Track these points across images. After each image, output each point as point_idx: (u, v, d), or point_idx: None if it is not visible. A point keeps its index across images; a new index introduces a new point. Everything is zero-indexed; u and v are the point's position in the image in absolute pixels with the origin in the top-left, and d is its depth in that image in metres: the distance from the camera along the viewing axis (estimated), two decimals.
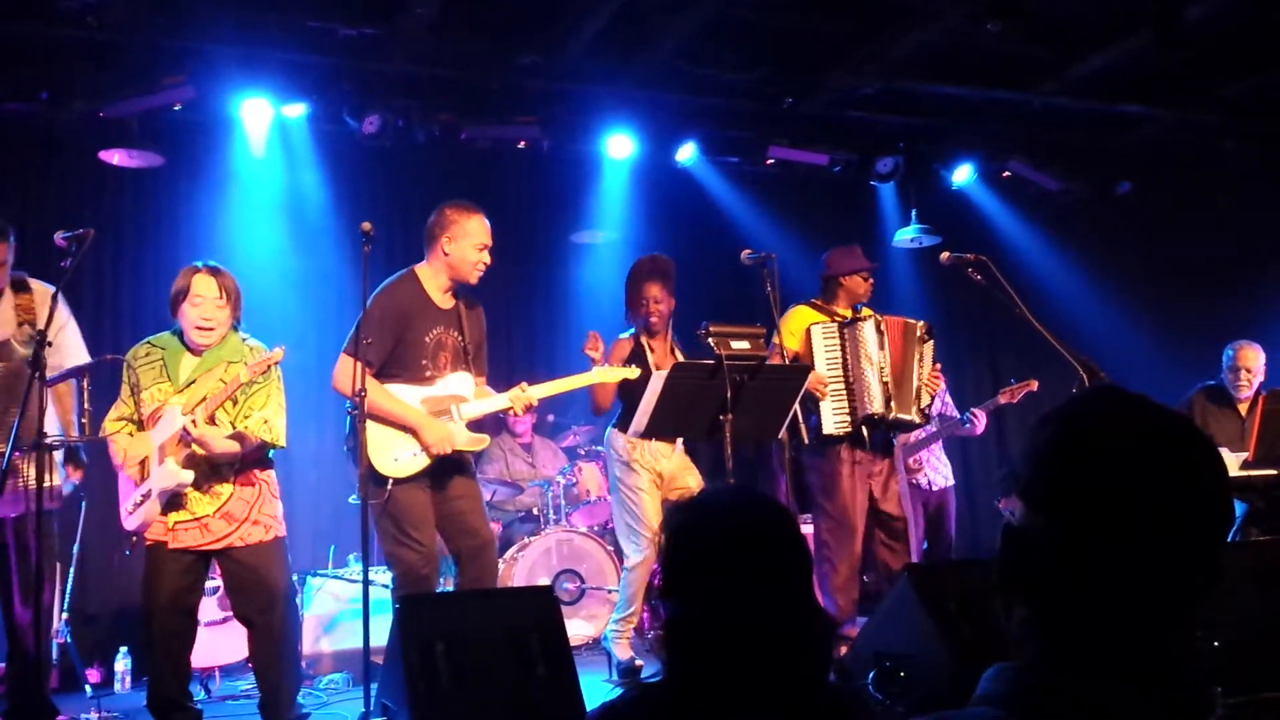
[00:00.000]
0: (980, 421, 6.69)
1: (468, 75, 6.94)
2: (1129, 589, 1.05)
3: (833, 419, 5.18)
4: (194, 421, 3.90)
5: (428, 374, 4.37)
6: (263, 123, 6.75)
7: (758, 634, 1.57)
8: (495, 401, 4.47)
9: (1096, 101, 7.53)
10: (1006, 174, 8.20)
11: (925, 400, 5.38)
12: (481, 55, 6.73)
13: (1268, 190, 8.15)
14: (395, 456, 4.28)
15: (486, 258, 4.48)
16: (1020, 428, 8.00)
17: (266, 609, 4.14)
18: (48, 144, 6.52)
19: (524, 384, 4.49)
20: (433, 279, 4.45)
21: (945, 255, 5.10)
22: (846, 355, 5.23)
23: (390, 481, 4.23)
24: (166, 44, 6.24)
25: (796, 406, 4.73)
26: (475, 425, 4.45)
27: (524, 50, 6.68)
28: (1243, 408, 6.16)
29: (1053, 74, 7.18)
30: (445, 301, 4.47)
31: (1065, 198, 8.27)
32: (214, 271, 4.19)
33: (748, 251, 4.91)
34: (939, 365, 5.47)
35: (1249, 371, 6.14)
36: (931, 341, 5.41)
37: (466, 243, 4.42)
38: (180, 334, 4.22)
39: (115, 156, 6.55)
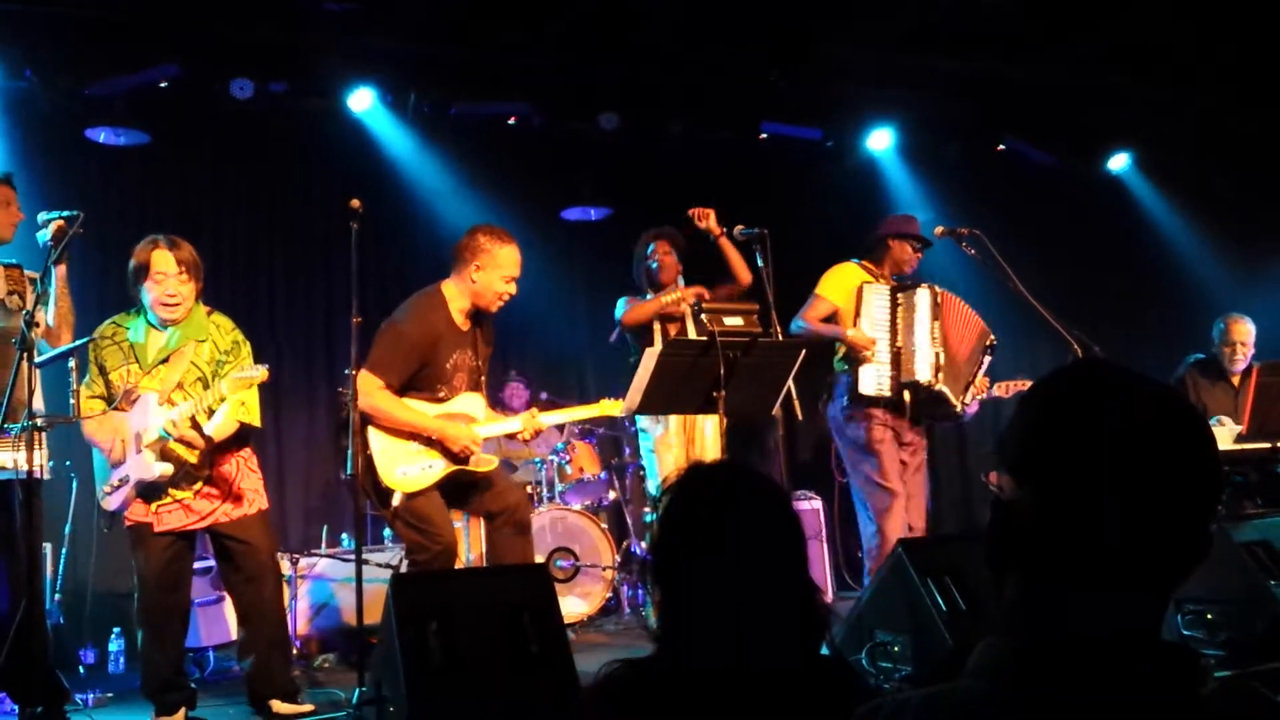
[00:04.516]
0: (971, 407, 6.71)
1: (456, 51, 6.89)
2: (1117, 561, 1.04)
3: (874, 380, 5.15)
4: (174, 423, 3.92)
5: (441, 394, 4.37)
6: (249, 100, 6.69)
7: (749, 612, 1.56)
8: (507, 425, 4.51)
9: (1093, 76, 7.50)
10: (1001, 147, 8.18)
11: (969, 396, 5.38)
12: (470, 31, 6.67)
13: None
14: (403, 470, 4.27)
15: (512, 289, 4.44)
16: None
17: (255, 579, 4.19)
18: (32, 122, 6.47)
19: (534, 410, 4.59)
20: (457, 300, 4.41)
21: (939, 229, 5.09)
22: (897, 320, 5.21)
23: (396, 496, 4.23)
24: (152, 21, 6.17)
25: (791, 383, 4.71)
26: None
27: (514, 25, 6.63)
28: (1235, 379, 6.17)
29: (1050, 47, 7.15)
30: (464, 324, 4.45)
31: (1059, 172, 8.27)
32: (172, 245, 4.13)
33: (740, 227, 4.90)
34: (989, 379, 5.49)
35: (1244, 345, 6.14)
36: (991, 355, 5.43)
37: (495, 273, 4.37)
38: (144, 311, 4.18)
39: (101, 134, 6.51)
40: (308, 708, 4.24)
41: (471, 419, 4.40)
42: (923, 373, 5.14)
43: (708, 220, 5.19)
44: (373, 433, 4.24)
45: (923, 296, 5.25)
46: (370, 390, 4.17)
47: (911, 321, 5.20)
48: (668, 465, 5.16)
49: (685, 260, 5.52)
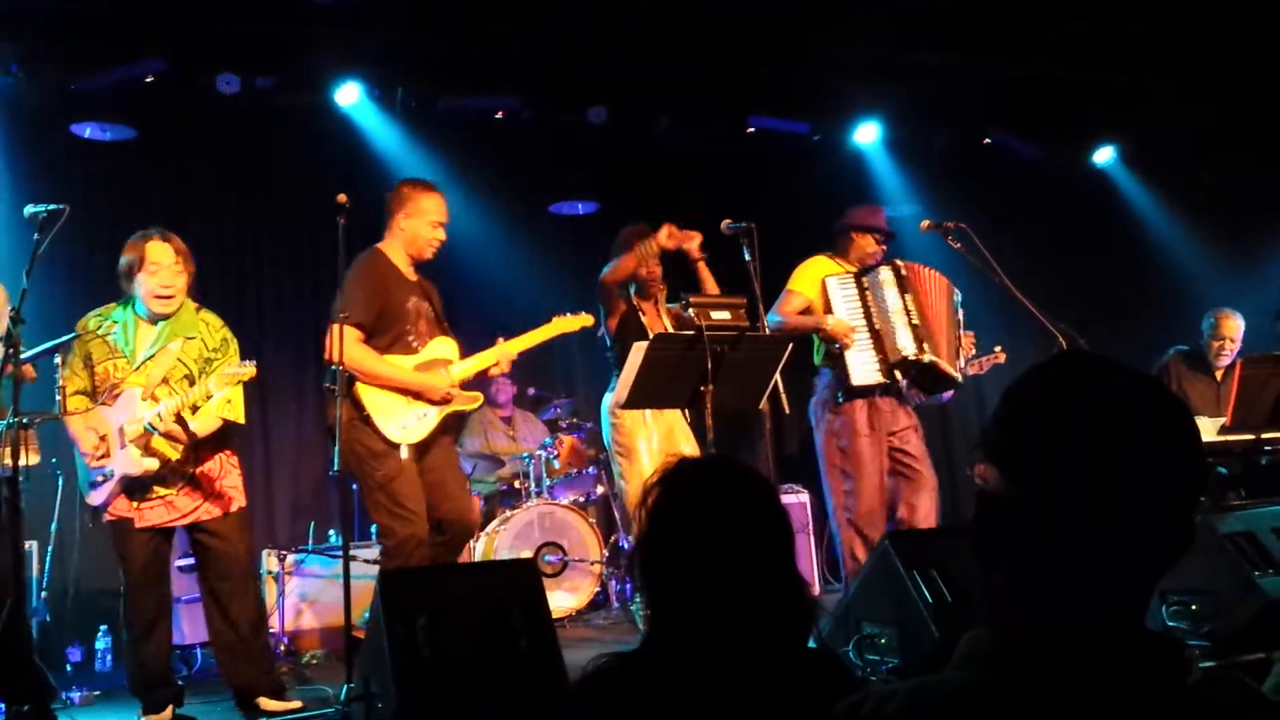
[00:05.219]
0: (973, 368, 6.70)
1: (444, 45, 6.87)
2: (1102, 551, 1.05)
3: (862, 369, 5.09)
4: (160, 417, 3.92)
5: (413, 343, 4.46)
6: (235, 94, 6.66)
7: (737, 605, 1.56)
8: (482, 360, 4.58)
9: (1078, 69, 7.52)
10: (987, 141, 8.20)
11: (962, 361, 5.27)
12: (458, 25, 6.65)
13: None
14: (404, 424, 4.35)
15: (441, 234, 4.55)
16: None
17: (231, 577, 4.20)
18: (18, 117, 6.43)
19: (501, 339, 4.65)
20: (394, 254, 4.53)
21: (925, 223, 5.08)
22: (868, 304, 5.15)
23: (403, 448, 4.32)
24: (138, 16, 6.14)
25: (777, 376, 4.71)
26: (465, 386, 4.57)
27: (502, 19, 6.61)
28: (1218, 373, 6.19)
29: (1035, 41, 7.16)
30: (411, 274, 4.57)
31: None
32: (165, 237, 4.16)
33: (728, 221, 4.88)
34: (972, 334, 5.37)
35: (1232, 341, 6.15)
36: (960, 308, 5.31)
37: (421, 220, 4.50)
38: (131, 305, 4.17)
39: (87, 129, 6.48)
40: (295, 704, 4.24)
41: (447, 361, 4.50)
42: (907, 348, 5.07)
43: (691, 243, 5.02)
44: (365, 393, 4.28)
45: (885, 274, 5.20)
46: (349, 344, 4.22)
47: (882, 300, 5.15)
48: (648, 473, 5.11)
49: (669, 266, 5.50)
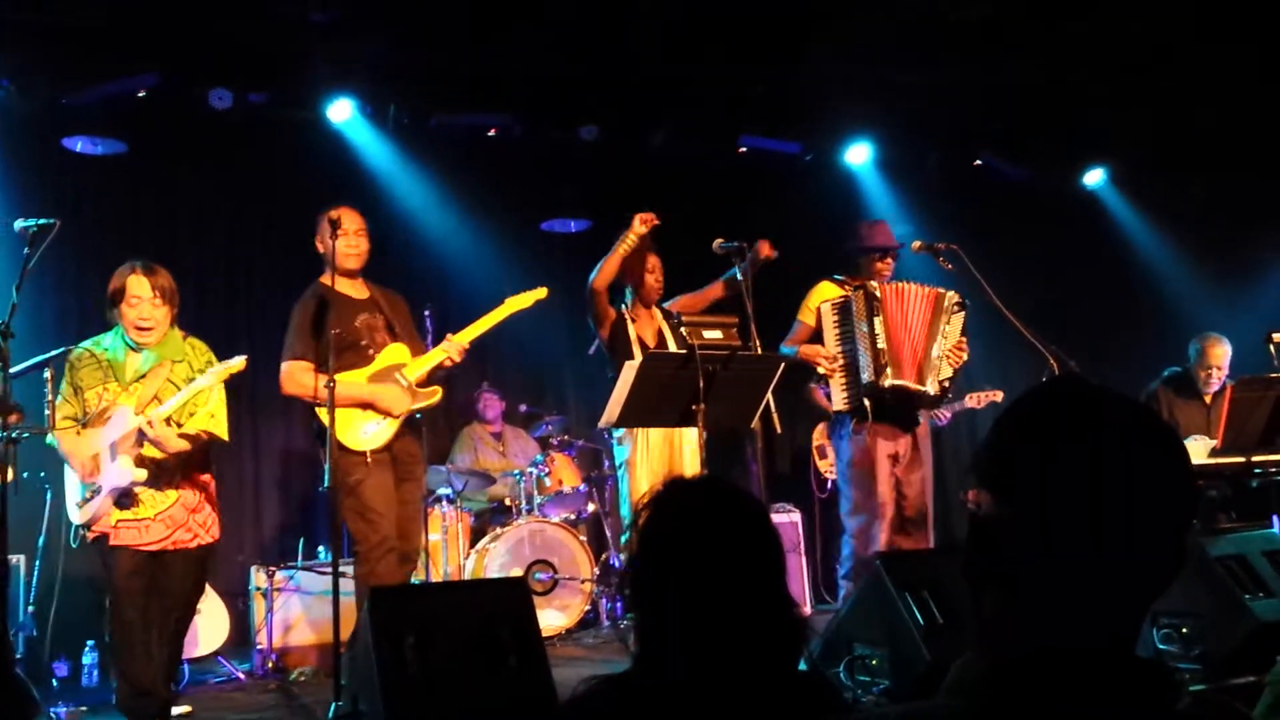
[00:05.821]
0: (944, 418, 6.73)
1: (436, 62, 6.89)
2: (1094, 572, 1.05)
3: (839, 395, 5.14)
4: (150, 423, 3.92)
5: (369, 352, 4.62)
6: (227, 110, 6.67)
7: (727, 627, 1.56)
8: (431, 357, 4.68)
9: (1071, 90, 7.54)
10: (978, 163, 8.25)
11: (946, 372, 5.18)
12: (451, 42, 6.67)
13: None
14: (363, 432, 4.51)
15: (353, 241, 4.68)
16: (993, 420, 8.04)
17: (174, 608, 4.21)
18: (9, 130, 6.43)
19: (449, 335, 4.74)
20: (338, 280, 4.63)
21: (917, 244, 5.10)
22: (848, 330, 5.15)
23: (369, 455, 4.45)
24: (131, 31, 6.15)
25: (769, 396, 4.70)
26: (423, 383, 4.68)
27: (495, 37, 6.63)
28: (1207, 397, 6.21)
29: (1027, 61, 7.18)
30: (360, 292, 4.73)
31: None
32: (148, 271, 4.17)
33: (720, 240, 4.89)
34: (964, 339, 5.24)
35: (1219, 369, 6.16)
36: (961, 314, 5.20)
37: (334, 236, 4.59)
38: (121, 332, 4.20)
39: (78, 143, 6.48)
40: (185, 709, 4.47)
41: (401, 365, 4.64)
42: (866, 374, 5.04)
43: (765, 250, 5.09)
44: (321, 413, 4.37)
45: (860, 300, 5.12)
46: (300, 374, 4.44)
47: (850, 326, 5.12)
48: (640, 483, 5.11)
49: (677, 274, 5.52)
